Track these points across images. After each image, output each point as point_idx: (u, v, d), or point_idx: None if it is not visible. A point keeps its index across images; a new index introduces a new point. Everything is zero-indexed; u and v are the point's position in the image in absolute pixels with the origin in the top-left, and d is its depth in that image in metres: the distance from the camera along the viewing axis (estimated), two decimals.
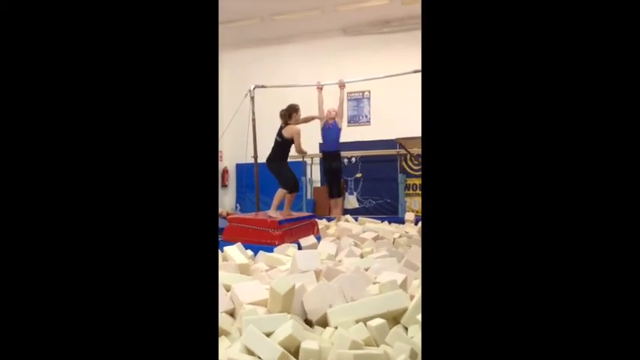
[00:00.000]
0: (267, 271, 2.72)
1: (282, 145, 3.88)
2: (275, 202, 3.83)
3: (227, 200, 7.25)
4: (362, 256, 3.10)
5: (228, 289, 2.17)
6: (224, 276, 2.31)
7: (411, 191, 6.08)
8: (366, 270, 2.57)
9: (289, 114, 3.89)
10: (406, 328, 1.86)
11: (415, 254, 2.80)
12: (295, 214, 4.08)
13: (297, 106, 3.95)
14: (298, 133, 3.87)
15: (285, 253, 3.10)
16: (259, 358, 1.56)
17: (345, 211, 6.25)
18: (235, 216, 3.92)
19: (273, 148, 3.91)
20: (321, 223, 4.71)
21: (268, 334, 1.65)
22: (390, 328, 1.79)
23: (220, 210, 5.73)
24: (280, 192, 3.85)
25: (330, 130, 4.61)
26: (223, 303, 2.01)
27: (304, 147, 4.00)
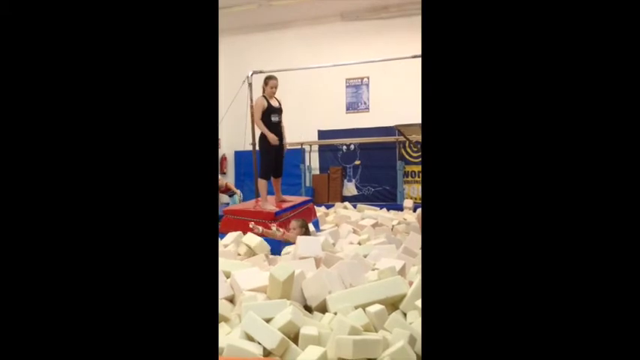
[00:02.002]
0: (266, 257, 2.73)
1: (262, 119, 3.69)
2: (262, 193, 3.73)
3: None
4: (360, 243, 3.11)
5: (227, 275, 2.17)
6: (224, 263, 2.31)
7: (409, 178, 6.09)
8: (365, 257, 2.58)
9: (263, 85, 3.72)
10: (405, 314, 1.86)
11: (413, 241, 2.81)
12: (290, 200, 4.05)
13: (266, 78, 3.71)
14: (254, 105, 3.68)
15: None
16: (259, 343, 1.56)
17: (344, 199, 6.26)
18: (231, 208, 3.89)
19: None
20: (320, 210, 4.72)
21: (268, 320, 1.65)
22: (389, 314, 1.80)
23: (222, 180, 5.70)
24: (260, 182, 3.76)
25: None
26: (223, 289, 2.02)
27: (287, 134, 3.83)
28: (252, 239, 2.93)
